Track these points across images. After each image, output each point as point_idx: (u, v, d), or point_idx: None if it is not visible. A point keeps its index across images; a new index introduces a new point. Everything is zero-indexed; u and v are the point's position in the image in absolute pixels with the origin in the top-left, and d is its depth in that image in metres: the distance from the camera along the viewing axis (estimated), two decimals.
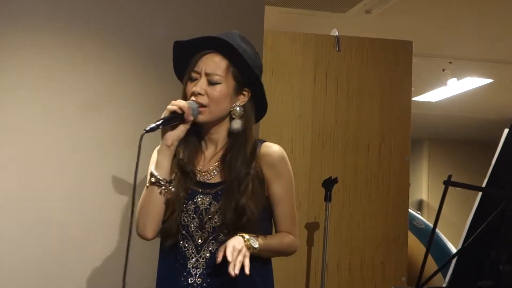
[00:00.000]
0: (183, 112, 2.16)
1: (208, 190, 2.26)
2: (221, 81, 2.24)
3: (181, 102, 2.18)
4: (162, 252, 2.32)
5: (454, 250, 5.20)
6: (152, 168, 2.22)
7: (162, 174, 2.21)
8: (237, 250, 2.12)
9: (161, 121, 2.15)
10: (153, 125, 2.13)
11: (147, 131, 2.11)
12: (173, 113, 2.16)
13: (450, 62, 6.40)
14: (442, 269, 1.97)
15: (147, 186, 2.22)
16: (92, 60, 3.24)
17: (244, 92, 2.30)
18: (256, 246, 2.17)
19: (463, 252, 2.03)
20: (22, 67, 3.16)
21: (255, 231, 2.21)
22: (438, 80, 6.77)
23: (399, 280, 3.94)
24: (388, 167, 4.01)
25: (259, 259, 2.23)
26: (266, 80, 3.80)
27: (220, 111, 2.26)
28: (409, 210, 4.32)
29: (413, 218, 5.42)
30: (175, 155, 2.26)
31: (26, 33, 3.18)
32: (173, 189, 2.22)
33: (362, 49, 4.04)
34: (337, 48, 4.00)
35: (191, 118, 2.19)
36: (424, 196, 10.40)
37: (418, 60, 4.33)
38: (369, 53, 4.04)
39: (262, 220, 2.27)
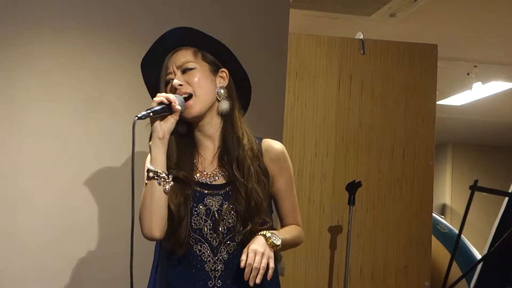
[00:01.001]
0: (170, 102, 2.13)
1: (216, 191, 2.23)
2: (194, 66, 2.24)
3: (166, 93, 2.17)
4: (171, 261, 2.23)
5: (478, 255, 5.17)
6: (147, 164, 2.17)
7: (159, 167, 2.14)
8: (260, 254, 2.09)
9: (151, 110, 2.12)
10: (144, 112, 2.10)
11: (139, 118, 2.08)
12: (160, 104, 2.13)
13: (475, 66, 6.35)
14: (467, 275, 1.96)
15: (146, 183, 2.16)
16: (102, 59, 3.24)
17: (222, 74, 2.29)
18: (279, 242, 2.15)
19: (489, 258, 2.02)
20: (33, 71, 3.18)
21: (265, 216, 2.20)
22: (462, 84, 6.72)
23: (422, 285, 3.92)
24: (412, 171, 3.99)
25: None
26: (291, 82, 3.84)
27: (206, 95, 2.23)
28: (433, 214, 4.30)
29: (436, 222, 5.40)
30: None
31: (31, 35, 3.18)
32: (172, 182, 2.16)
33: (387, 53, 4.03)
34: (361, 52, 3.99)
35: (178, 108, 2.14)
36: (447, 201, 10.34)
37: (442, 63, 4.31)
38: (394, 56, 4.03)
39: (267, 215, 2.25)
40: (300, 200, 3.85)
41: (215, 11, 3.35)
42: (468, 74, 6.47)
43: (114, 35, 3.24)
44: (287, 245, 2.28)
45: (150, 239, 2.18)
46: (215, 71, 2.28)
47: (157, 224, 2.15)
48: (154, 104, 2.13)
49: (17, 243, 3.08)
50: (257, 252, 2.10)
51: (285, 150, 2.34)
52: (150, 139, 2.18)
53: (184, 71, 2.24)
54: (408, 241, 3.94)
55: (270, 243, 2.14)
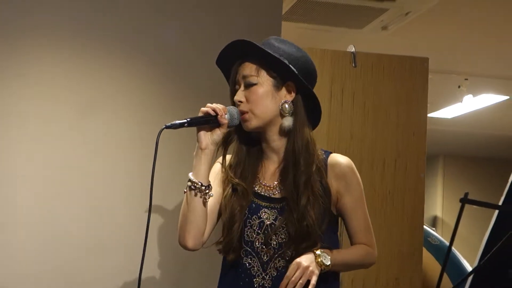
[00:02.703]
0: (217, 114, 2.12)
1: (273, 205, 2.20)
2: (255, 81, 2.20)
3: (216, 105, 2.14)
4: (223, 268, 2.26)
5: (469, 268, 5.18)
6: (190, 173, 2.16)
7: (199, 178, 2.14)
8: (303, 267, 2.06)
9: (188, 119, 2.11)
10: (176, 122, 2.09)
11: (166, 127, 2.08)
12: (206, 114, 2.12)
13: (466, 79, 6.39)
14: (458, 287, 1.97)
15: (185, 192, 2.16)
16: (102, 62, 3.26)
17: (288, 88, 2.23)
18: (328, 263, 2.11)
19: (479, 270, 2.03)
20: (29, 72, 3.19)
21: (317, 240, 2.13)
22: (453, 97, 6.76)
23: None
24: (403, 183, 4.00)
25: (327, 276, 2.16)
26: None
27: (264, 112, 2.20)
28: (424, 226, 4.31)
29: (428, 234, 5.41)
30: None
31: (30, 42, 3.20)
32: (211, 194, 2.15)
33: (379, 66, 4.04)
34: (353, 64, 4.01)
35: (225, 121, 2.13)
36: (438, 213, 10.36)
37: (433, 76, 4.33)
38: (385, 69, 4.05)
39: (328, 235, 2.20)
40: None
41: (208, 23, 3.37)
42: (459, 86, 6.51)
43: (112, 37, 3.25)
44: (348, 265, 2.24)
45: (183, 247, 2.19)
46: (279, 85, 2.23)
47: (190, 234, 2.15)
48: (199, 114, 2.13)
49: (12, 251, 3.08)
50: (300, 266, 2.07)
51: (353, 166, 2.27)
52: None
53: (247, 85, 2.21)
54: (400, 253, 3.94)
55: (318, 261, 2.10)
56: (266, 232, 2.16)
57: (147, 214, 2.10)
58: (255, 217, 2.19)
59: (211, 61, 2.32)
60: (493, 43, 5.43)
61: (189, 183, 2.14)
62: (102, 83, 3.25)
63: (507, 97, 7.04)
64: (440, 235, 5.92)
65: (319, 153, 2.24)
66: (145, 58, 3.30)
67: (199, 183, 2.13)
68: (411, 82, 4.06)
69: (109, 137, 3.21)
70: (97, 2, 3.27)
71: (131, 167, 3.21)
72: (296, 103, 2.23)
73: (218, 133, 2.15)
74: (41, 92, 3.17)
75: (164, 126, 2.08)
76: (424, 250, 4.19)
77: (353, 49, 4.02)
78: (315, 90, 2.27)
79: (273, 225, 2.16)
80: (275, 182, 2.23)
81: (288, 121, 2.20)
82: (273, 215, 2.18)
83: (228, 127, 2.17)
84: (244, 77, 2.21)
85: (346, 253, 2.24)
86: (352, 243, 2.28)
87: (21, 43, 3.17)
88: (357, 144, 3.98)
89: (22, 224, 3.10)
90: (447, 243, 5.27)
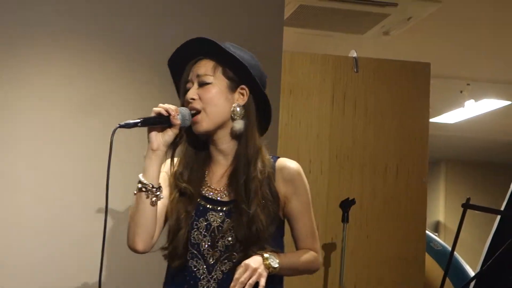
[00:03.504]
0: (169, 114, 2.08)
1: (220, 207, 2.18)
2: (210, 81, 2.17)
3: (168, 105, 2.11)
4: (169, 273, 2.22)
5: (471, 273, 5.18)
6: (140, 175, 2.12)
7: (149, 179, 2.10)
8: (251, 269, 2.04)
9: (141, 119, 2.08)
10: (130, 121, 2.06)
11: (120, 126, 2.05)
12: (159, 115, 2.09)
13: (468, 84, 6.39)
14: None
15: (135, 193, 2.11)
16: (96, 62, 3.25)
17: (241, 91, 2.21)
18: (276, 266, 2.09)
19: (482, 275, 2.03)
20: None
21: (266, 244, 2.13)
22: (455, 102, 6.76)
23: None
24: (405, 189, 4.00)
25: (272, 279, 2.14)
26: (284, 100, 3.85)
27: (217, 113, 2.17)
28: (426, 231, 4.31)
29: (430, 239, 5.41)
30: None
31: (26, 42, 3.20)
32: (162, 196, 2.13)
33: (380, 71, 4.05)
34: (355, 70, 4.01)
35: (178, 121, 2.09)
36: (441, 218, 10.34)
37: (435, 81, 4.33)
38: (387, 74, 4.06)
39: (275, 239, 2.19)
40: None
41: (210, 28, 3.37)
42: (461, 92, 6.51)
43: (111, 37, 3.25)
44: (293, 269, 2.22)
45: (133, 250, 2.15)
46: (234, 88, 2.21)
47: (140, 237, 2.12)
48: (152, 114, 2.09)
49: (14, 255, 3.08)
50: (249, 267, 2.05)
51: (301, 170, 2.25)
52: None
53: (201, 84, 2.18)
54: (402, 258, 3.94)
55: (266, 264, 2.08)
56: (212, 234, 2.14)
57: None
58: (202, 219, 2.16)
59: None
60: (495, 48, 5.43)
61: (140, 185, 2.10)
62: (104, 83, 3.25)
63: (509, 102, 7.04)
64: (442, 240, 5.91)
65: (268, 158, 2.23)
66: (144, 59, 3.29)
67: (150, 185, 2.10)
68: (413, 87, 4.07)
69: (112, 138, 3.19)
70: (98, 2, 3.27)
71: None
72: (247, 107, 2.21)
73: (169, 134, 2.12)
74: (44, 93, 3.18)
75: (118, 125, 2.05)
76: (427, 255, 4.19)
77: (355, 54, 4.03)
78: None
79: (220, 228, 2.15)
80: (223, 186, 2.21)
81: (239, 124, 2.18)
82: (220, 218, 2.16)
83: (179, 128, 2.15)
84: (199, 76, 2.19)
85: (293, 257, 2.22)
86: (297, 248, 2.27)
87: (21, 43, 3.17)
88: (359, 149, 3.99)
89: (25, 225, 3.10)
90: (449, 248, 5.27)
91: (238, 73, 2.20)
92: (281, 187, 2.21)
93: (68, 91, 3.22)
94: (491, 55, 5.63)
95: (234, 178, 2.19)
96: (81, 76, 3.24)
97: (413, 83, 4.07)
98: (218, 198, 2.20)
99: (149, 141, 2.12)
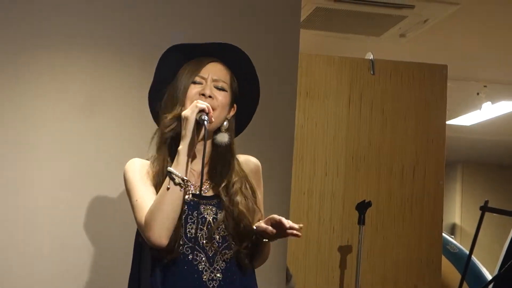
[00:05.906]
0: (209, 112, 2.11)
1: (209, 201, 2.21)
2: (226, 89, 2.24)
3: (204, 102, 2.13)
4: (162, 267, 2.18)
5: (488, 276, 5.16)
6: (170, 169, 2.11)
7: (183, 173, 2.11)
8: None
9: (204, 119, 2.09)
10: (206, 116, 2.09)
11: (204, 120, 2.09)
12: (202, 111, 2.10)
13: (485, 86, 6.36)
14: None
15: (168, 188, 2.09)
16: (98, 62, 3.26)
17: (233, 107, 2.30)
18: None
19: (500, 278, 2.03)
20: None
21: (251, 239, 2.20)
22: (472, 104, 6.73)
23: None
24: (422, 191, 4.00)
25: (247, 268, 2.23)
26: (301, 102, 3.86)
27: (219, 120, 2.23)
28: (443, 234, 4.30)
29: (446, 242, 5.39)
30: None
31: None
32: (192, 190, 2.18)
33: (397, 73, 4.05)
34: (371, 72, 4.01)
35: (213, 120, 2.14)
36: (457, 220, 10.30)
37: (452, 83, 4.32)
38: (403, 76, 4.05)
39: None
40: (310, 219, 3.88)
41: (227, 30, 3.38)
42: (478, 94, 6.48)
43: (114, 37, 3.26)
44: (266, 253, 2.30)
45: (157, 246, 2.11)
46: (232, 103, 2.28)
47: (169, 231, 2.10)
48: (196, 110, 2.09)
49: (26, 259, 3.10)
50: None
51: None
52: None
53: (218, 88, 2.23)
54: (418, 260, 3.94)
55: None
56: (209, 227, 2.18)
57: None
58: (196, 213, 2.18)
59: None
60: None
61: (177, 179, 2.10)
62: (112, 83, 3.25)
63: None
64: (458, 243, 5.89)
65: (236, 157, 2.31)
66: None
67: (188, 181, 2.13)
68: (429, 89, 4.06)
69: (124, 139, 3.19)
70: (99, 2, 3.28)
71: None
72: (231, 121, 2.29)
73: (202, 131, 2.14)
74: (58, 94, 3.19)
75: (205, 120, 2.09)
76: (443, 258, 4.18)
77: (371, 57, 4.03)
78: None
79: (215, 220, 2.19)
80: (203, 181, 2.21)
81: (225, 138, 2.23)
82: (212, 210, 2.20)
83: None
84: (216, 80, 2.23)
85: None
86: None
87: (20, 44, 3.18)
88: (376, 151, 3.98)
89: (38, 226, 3.11)
90: (466, 251, 5.25)
91: (246, 98, 2.32)
92: (252, 179, 2.30)
93: (80, 92, 3.21)
94: (508, 57, 5.61)
95: (217, 179, 2.24)
96: (90, 75, 3.23)
97: (430, 85, 4.07)
98: (202, 194, 2.21)
99: (191, 136, 2.11)
